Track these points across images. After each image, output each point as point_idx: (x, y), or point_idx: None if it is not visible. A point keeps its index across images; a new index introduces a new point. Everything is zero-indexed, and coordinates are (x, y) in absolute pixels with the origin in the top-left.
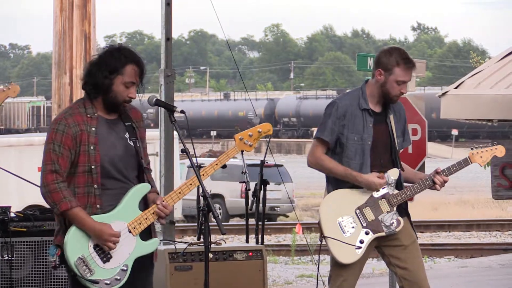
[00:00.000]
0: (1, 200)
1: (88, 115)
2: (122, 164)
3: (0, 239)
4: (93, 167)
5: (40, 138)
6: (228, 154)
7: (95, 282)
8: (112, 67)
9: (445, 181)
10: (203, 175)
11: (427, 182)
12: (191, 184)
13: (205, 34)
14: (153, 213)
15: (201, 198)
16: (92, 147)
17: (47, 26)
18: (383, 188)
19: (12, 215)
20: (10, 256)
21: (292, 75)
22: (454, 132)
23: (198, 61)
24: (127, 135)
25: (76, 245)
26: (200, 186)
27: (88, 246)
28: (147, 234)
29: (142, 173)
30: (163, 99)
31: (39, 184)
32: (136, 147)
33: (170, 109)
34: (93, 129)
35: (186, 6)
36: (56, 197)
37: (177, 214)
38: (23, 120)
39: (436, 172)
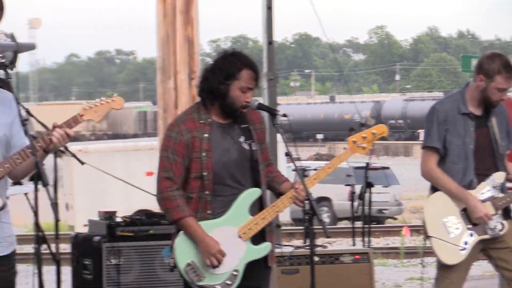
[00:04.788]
0: (108, 205)
1: (201, 121)
2: (236, 169)
3: (108, 243)
4: (204, 173)
5: (147, 143)
6: (340, 158)
7: None
8: (227, 72)
9: None
10: (315, 179)
11: None
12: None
13: (309, 37)
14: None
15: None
16: (204, 154)
17: (151, 32)
18: (488, 191)
19: (119, 219)
20: (117, 260)
21: (397, 77)
22: None
23: (303, 64)
24: (242, 139)
25: (185, 251)
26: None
27: (197, 252)
28: (259, 238)
29: (257, 177)
30: (266, 103)
31: (145, 189)
32: (251, 150)
33: (272, 112)
34: (206, 135)
35: (290, 9)
36: (169, 205)
37: (285, 217)
38: (130, 125)
39: None
